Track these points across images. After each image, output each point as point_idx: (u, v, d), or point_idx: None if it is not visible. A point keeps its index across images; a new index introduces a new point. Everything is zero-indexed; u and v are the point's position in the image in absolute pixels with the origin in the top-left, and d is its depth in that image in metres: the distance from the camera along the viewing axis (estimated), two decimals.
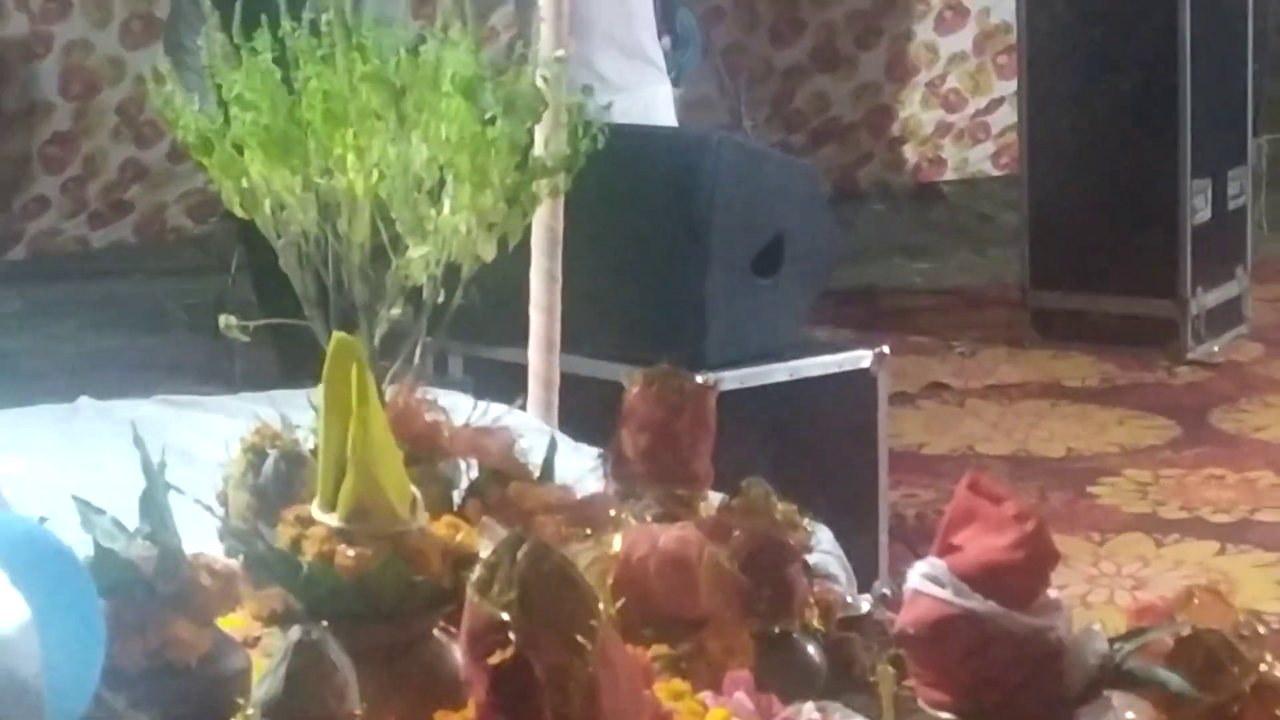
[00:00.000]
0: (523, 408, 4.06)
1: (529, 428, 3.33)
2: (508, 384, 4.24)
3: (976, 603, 2.43)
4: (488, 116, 2.88)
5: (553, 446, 3.03)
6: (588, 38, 6.53)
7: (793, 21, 9.94)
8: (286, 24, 2.89)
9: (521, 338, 4.30)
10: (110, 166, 8.69)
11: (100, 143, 8.65)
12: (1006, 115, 9.82)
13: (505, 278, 3.14)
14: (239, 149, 2.88)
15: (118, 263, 9.02)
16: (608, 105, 3.04)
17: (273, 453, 2.76)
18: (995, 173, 10.14)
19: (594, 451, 3.31)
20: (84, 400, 4.22)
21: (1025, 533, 2.45)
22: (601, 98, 3.04)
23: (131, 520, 2.58)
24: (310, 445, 2.79)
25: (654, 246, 5.25)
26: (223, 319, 3.05)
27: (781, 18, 9.87)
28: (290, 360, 5.69)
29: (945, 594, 2.46)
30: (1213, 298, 8.46)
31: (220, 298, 8.05)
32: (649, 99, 7.11)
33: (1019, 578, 2.45)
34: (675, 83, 8.61)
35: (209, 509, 2.75)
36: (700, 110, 9.42)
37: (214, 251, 8.46)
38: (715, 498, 2.92)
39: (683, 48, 8.42)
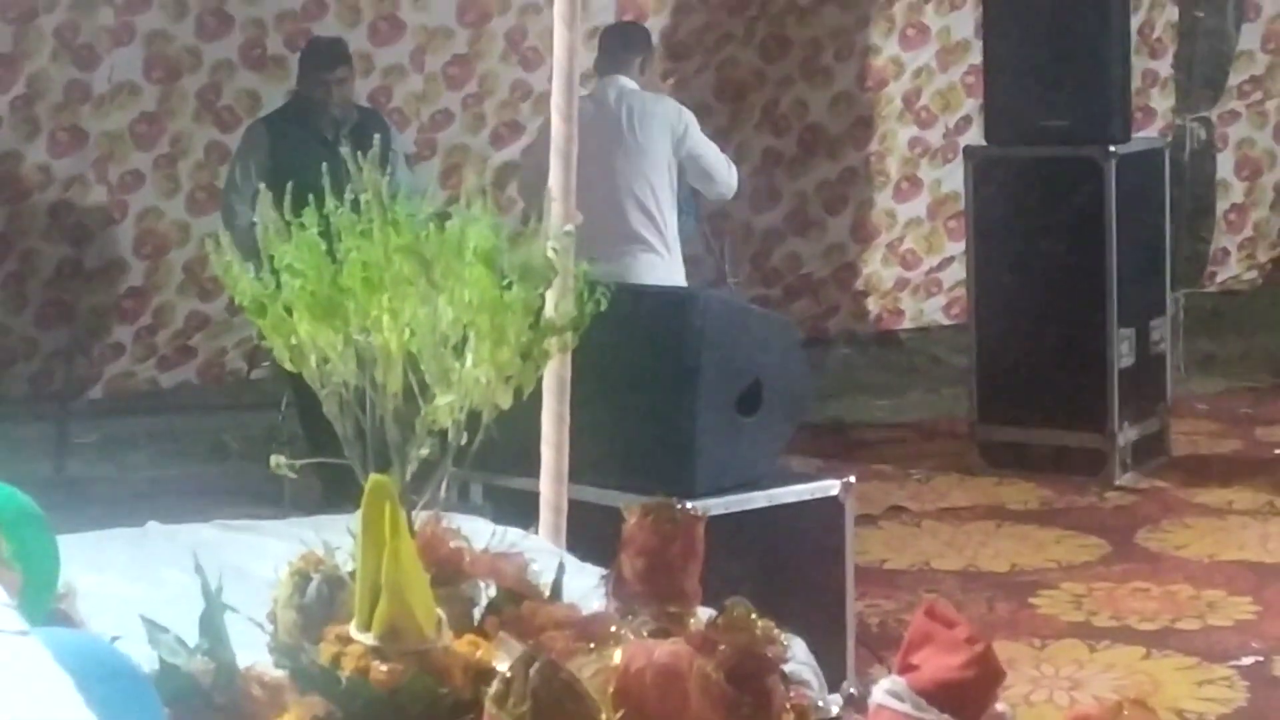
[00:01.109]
0: (535, 531, 4.07)
1: (540, 551, 3.32)
2: (523, 509, 4.23)
3: (933, 716, 2.42)
4: (505, 282, 2.89)
5: (561, 569, 3.03)
6: None
7: (769, 191, 9.97)
8: (330, 202, 2.90)
9: (535, 469, 4.28)
10: (177, 317, 8.70)
11: (168, 297, 8.67)
12: (956, 272, 9.83)
13: (521, 417, 3.14)
14: (288, 311, 2.89)
15: (183, 401, 9.03)
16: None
17: (316, 577, 2.75)
18: (947, 322, 10.15)
19: (598, 571, 3.29)
20: (152, 524, 4.19)
21: (975, 654, 2.44)
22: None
23: (193, 635, 2.56)
24: (349, 569, 2.78)
25: (650, 389, 5.25)
26: (273, 458, 3.04)
27: (759, 188, 9.90)
28: (332, 487, 5.69)
29: (905, 708, 2.44)
30: (1137, 432, 8.45)
31: (271, 432, 8.06)
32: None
33: (970, 693, 2.44)
34: None
35: (260, 626, 2.74)
36: (691, 266, 9.43)
37: (266, 391, 8.46)
38: (704, 614, 2.90)
39: (680, 215, 8.45)
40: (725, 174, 7.51)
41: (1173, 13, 10.34)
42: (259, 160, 7.60)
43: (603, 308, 2.93)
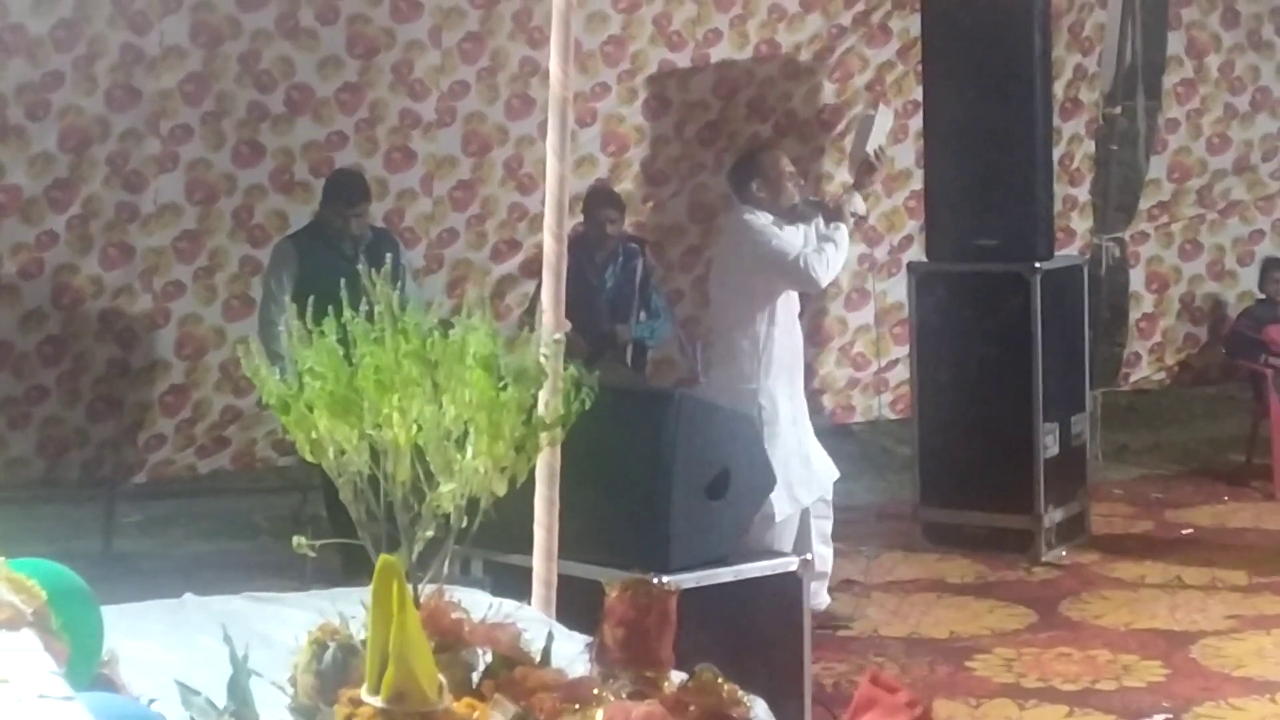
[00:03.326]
0: (529, 603, 4.05)
1: (532, 621, 3.30)
2: (518, 583, 4.22)
3: None
4: (502, 384, 2.89)
5: (550, 638, 3.02)
6: None
7: None
8: (347, 312, 2.90)
9: (528, 547, 4.26)
10: (214, 411, 8.68)
11: (206, 393, 8.65)
12: (901, 372, 9.84)
13: (516, 501, 3.14)
14: (309, 408, 2.89)
15: (218, 485, 8.99)
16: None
17: (332, 645, 2.73)
18: (893, 416, 10.14)
19: (583, 638, 3.28)
20: (188, 596, 4.16)
21: (915, 716, 2.42)
22: None
23: (222, 698, 2.55)
24: (362, 638, 2.76)
25: (630, 477, 5.24)
26: (295, 539, 3.03)
27: None
28: (351, 563, 5.66)
29: None
30: (1060, 514, 8.45)
31: (297, 513, 8.04)
32: None
33: None
34: (649, 346, 8.66)
35: (282, 689, 2.72)
36: (666, 366, 9.45)
37: (291, 477, 8.43)
38: (677, 678, 2.89)
39: (654, 320, 8.46)
40: None
41: (1089, 146, 10.40)
42: (290, 273, 7.62)
43: (587, 406, 2.92)
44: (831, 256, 7.02)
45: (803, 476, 7.04)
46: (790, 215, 7.18)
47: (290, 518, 8.44)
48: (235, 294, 8.58)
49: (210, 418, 8.68)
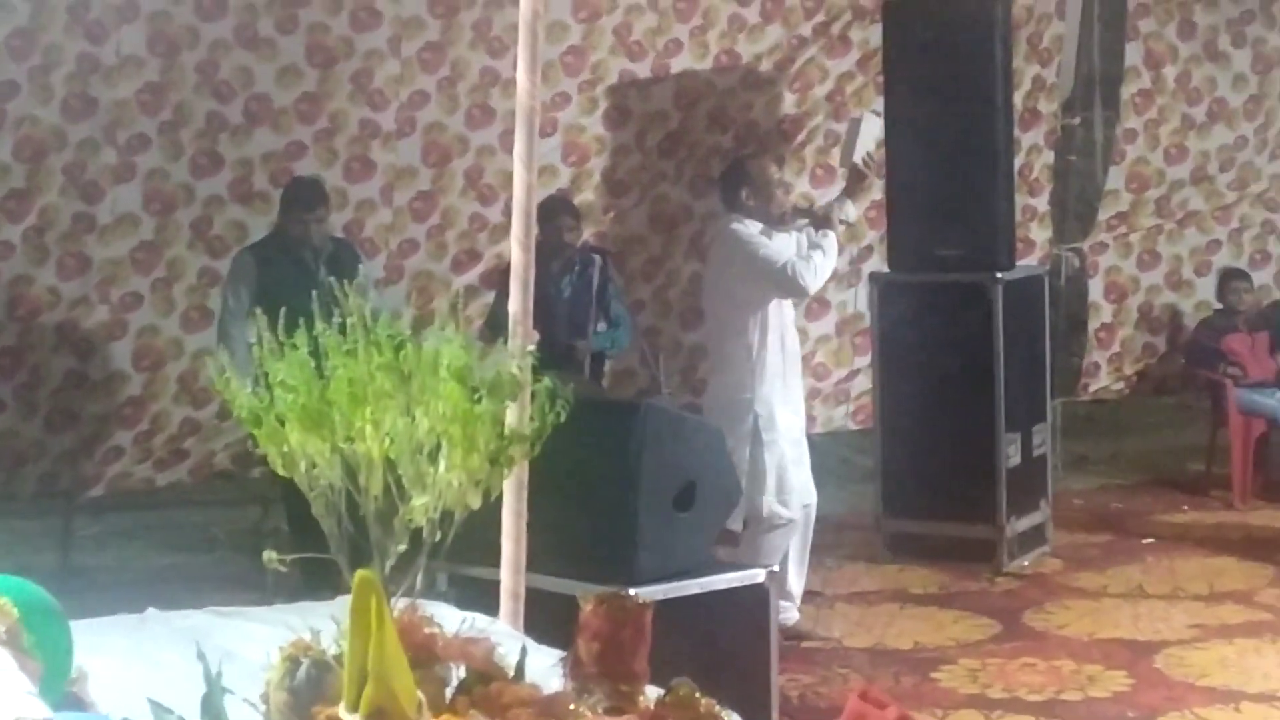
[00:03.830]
0: (495, 616, 4.02)
1: (504, 635, 3.27)
2: (482, 596, 4.19)
3: None
4: (476, 396, 2.86)
5: (524, 652, 2.98)
6: None
7: (696, 310, 9.95)
8: (319, 325, 2.87)
9: (494, 559, 4.23)
10: (172, 423, 8.61)
11: (164, 405, 8.58)
12: (862, 383, 9.83)
13: (482, 513, 3.10)
14: (281, 422, 2.85)
15: (176, 498, 8.93)
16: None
17: (305, 661, 2.69)
18: (854, 427, 10.13)
19: (553, 652, 3.25)
20: (151, 611, 4.11)
21: None
22: None
23: (192, 715, 2.51)
24: (334, 653, 2.73)
25: (597, 488, 5.22)
26: (265, 554, 3.00)
27: (687, 306, 9.90)
28: (313, 576, 5.61)
29: None
30: (1022, 524, 8.45)
31: (258, 525, 7.99)
32: None
33: None
34: (609, 356, 8.63)
35: (253, 706, 2.68)
36: (627, 377, 9.43)
37: (251, 489, 8.38)
38: (652, 692, 2.87)
39: (614, 329, 8.42)
40: None
41: (1048, 156, 10.43)
42: (249, 286, 7.56)
43: (562, 419, 2.89)
44: (820, 264, 7.04)
45: (803, 482, 7.07)
46: (779, 223, 7.18)
47: (250, 530, 8.40)
48: (193, 305, 8.52)
49: (169, 430, 8.61)
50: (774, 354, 7.07)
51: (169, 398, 8.57)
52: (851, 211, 7.40)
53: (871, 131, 7.48)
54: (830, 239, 7.14)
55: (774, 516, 6.97)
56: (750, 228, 7.11)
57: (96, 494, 8.58)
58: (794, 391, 7.21)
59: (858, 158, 7.37)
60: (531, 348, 3.07)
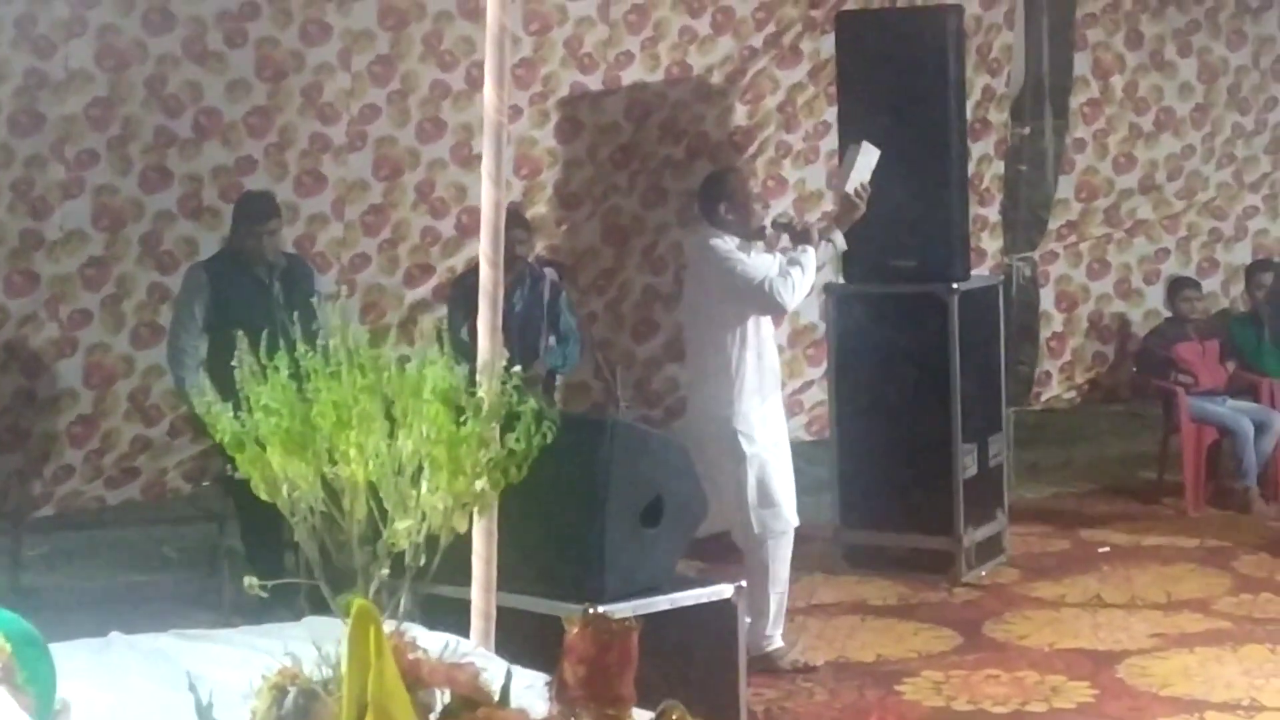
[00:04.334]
0: (465, 636, 3.97)
1: (486, 659, 3.24)
2: (449, 614, 4.13)
3: None
4: (462, 418, 2.83)
5: (509, 676, 2.95)
6: None
7: (650, 322, 9.94)
8: (301, 347, 2.83)
9: (460, 577, 4.18)
10: (123, 441, 8.53)
11: (115, 423, 8.50)
12: (816, 394, 9.83)
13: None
14: (263, 446, 2.81)
15: (127, 516, 8.83)
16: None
17: (293, 690, 2.65)
18: (809, 438, 10.10)
19: (533, 674, 3.22)
20: (115, 635, 4.05)
21: None
22: None
23: None
24: (319, 680, 2.69)
25: (565, 505, 5.17)
26: (246, 580, 2.96)
27: (640, 319, 9.88)
28: (271, 594, 5.55)
29: None
30: (980, 534, 8.45)
31: (212, 544, 7.92)
32: None
33: None
34: (560, 373, 8.58)
35: None
36: (581, 392, 9.39)
37: (203, 506, 8.30)
38: (639, 715, 2.84)
39: (564, 345, 8.39)
40: None
41: (999, 166, 10.45)
42: (202, 301, 7.50)
43: (549, 440, 2.86)
44: (798, 280, 6.98)
45: (789, 494, 7.04)
46: (757, 237, 7.13)
47: (202, 549, 8.32)
48: (144, 321, 8.44)
49: (119, 448, 8.52)
50: (752, 369, 7.03)
51: (120, 415, 8.50)
52: (841, 241, 7.31)
53: (869, 163, 7.41)
54: (809, 255, 7.07)
55: (766, 530, 6.92)
56: (728, 243, 7.05)
57: (46, 513, 8.48)
58: (773, 406, 7.16)
59: (851, 187, 7.31)
60: (518, 369, 3.02)
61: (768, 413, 7.09)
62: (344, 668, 2.41)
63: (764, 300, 6.97)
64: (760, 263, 7.03)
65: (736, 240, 7.06)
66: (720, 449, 6.91)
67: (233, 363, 2.82)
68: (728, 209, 7.10)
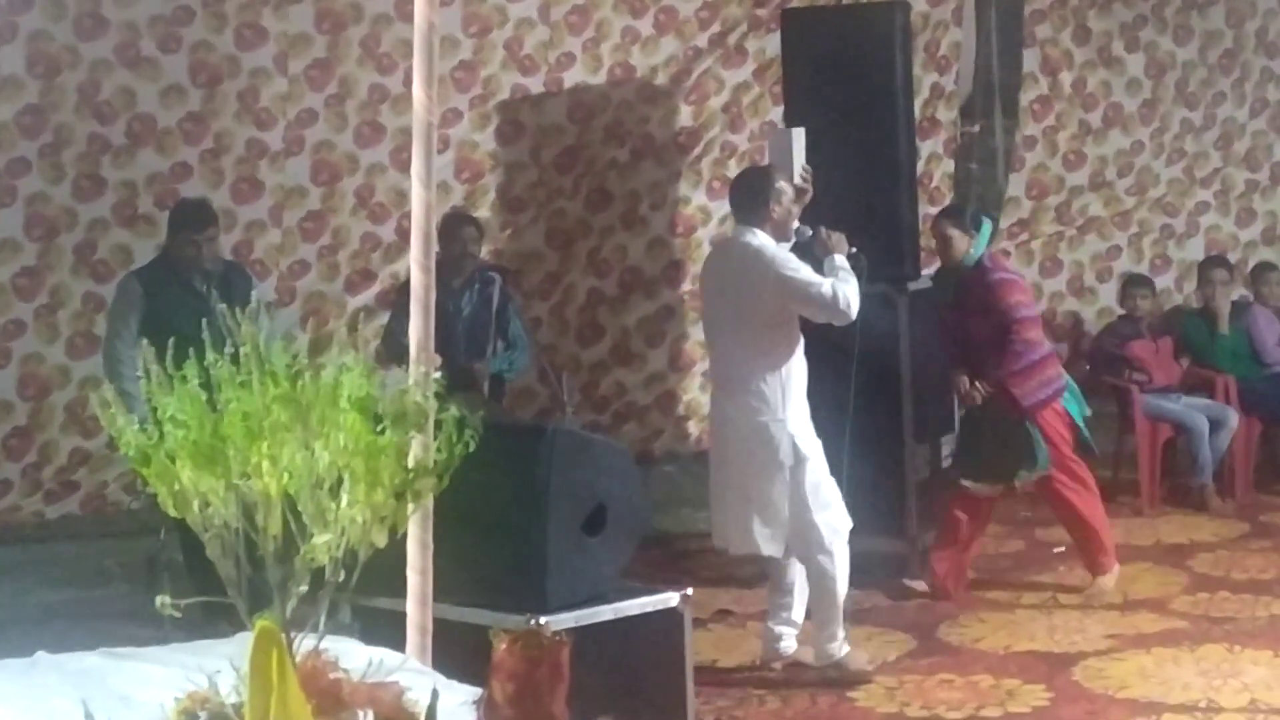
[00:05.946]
0: (401, 649, 3.87)
1: (413, 674, 3.13)
2: (387, 627, 4.05)
3: None
4: (380, 427, 2.72)
5: (435, 695, 2.84)
6: None
7: (595, 327, 9.87)
8: (211, 355, 2.72)
9: (398, 589, 4.08)
10: (61, 454, 8.42)
11: (52, 435, 8.39)
12: None
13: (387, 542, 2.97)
14: (172, 459, 2.70)
15: (67, 530, 8.67)
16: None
17: (203, 715, 2.56)
18: None
19: (465, 689, 3.12)
20: (41, 654, 3.93)
21: None
22: None
23: None
24: (233, 701, 2.59)
25: (504, 514, 5.09)
26: (158, 600, 2.85)
27: (585, 323, 9.80)
28: (211, 608, 5.43)
29: None
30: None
31: (152, 558, 7.75)
32: None
33: None
34: (507, 378, 8.46)
35: None
36: (527, 397, 9.30)
37: (144, 520, 8.14)
38: None
39: (511, 350, 8.28)
40: None
41: (948, 164, 10.41)
42: (137, 312, 7.35)
43: (471, 449, 2.75)
44: (854, 288, 6.72)
45: (838, 495, 6.86)
46: (789, 240, 6.86)
47: (145, 562, 8.17)
48: (79, 331, 8.34)
49: (58, 461, 8.41)
50: (799, 371, 6.81)
51: (56, 428, 8.39)
52: (845, 244, 7.05)
53: (800, 145, 7.23)
54: (838, 262, 6.84)
55: (831, 531, 6.75)
56: (771, 243, 6.74)
57: None
58: (807, 409, 6.92)
59: (798, 177, 7.12)
60: (436, 374, 2.91)
61: (807, 415, 6.88)
62: (245, 692, 2.30)
63: (830, 306, 6.66)
64: (807, 267, 6.78)
65: (773, 241, 6.76)
66: (767, 455, 6.66)
67: (126, 367, 2.70)
68: (775, 209, 6.78)
